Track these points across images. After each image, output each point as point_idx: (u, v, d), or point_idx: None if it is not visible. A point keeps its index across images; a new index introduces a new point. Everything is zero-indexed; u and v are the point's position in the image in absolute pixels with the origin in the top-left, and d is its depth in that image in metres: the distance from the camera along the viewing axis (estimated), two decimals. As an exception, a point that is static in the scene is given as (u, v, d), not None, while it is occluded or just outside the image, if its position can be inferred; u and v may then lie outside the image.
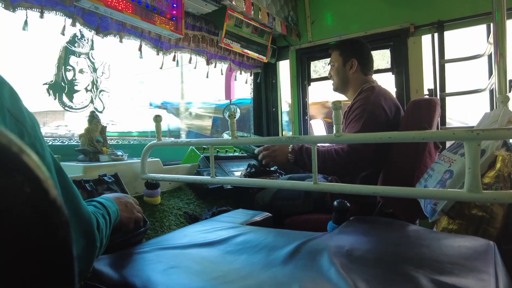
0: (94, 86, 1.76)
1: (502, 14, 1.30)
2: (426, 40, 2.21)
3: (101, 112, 1.78)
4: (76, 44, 1.65)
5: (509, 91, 1.40)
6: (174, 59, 2.03)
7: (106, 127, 1.67)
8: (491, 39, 1.58)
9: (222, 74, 2.68)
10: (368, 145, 1.49)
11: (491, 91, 1.87)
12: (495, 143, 1.05)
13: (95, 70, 1.75)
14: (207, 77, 2.43)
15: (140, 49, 1.76)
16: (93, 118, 1.62)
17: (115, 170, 1.45)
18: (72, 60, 1.66)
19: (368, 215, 1.53)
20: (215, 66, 2.39)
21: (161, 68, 1.99)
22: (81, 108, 1.72)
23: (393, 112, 1.63)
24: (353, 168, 1.54)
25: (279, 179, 2.05)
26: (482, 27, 2.03)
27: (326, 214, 1.59)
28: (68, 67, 1.64)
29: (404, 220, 1.39)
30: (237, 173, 2.00)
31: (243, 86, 2.83)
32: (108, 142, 1.70)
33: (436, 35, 2.14)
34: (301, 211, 1.70)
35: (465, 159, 0.82)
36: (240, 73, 2.67)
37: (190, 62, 2.19)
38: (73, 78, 1.66)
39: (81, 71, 1.67)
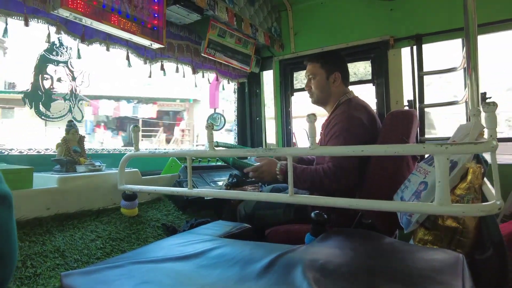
0: (73, 95, 1.73)
1: (473, 29, 1.34)
2: (405, 52, 2.26)
3: (79, 121, 1.75)
4: (54, 53, 1.63)
5: (481, 104, 1.44)
6: (161, 68, 2.03)
7: (84, 137, 1.65)
8: (465, 53, 1.63)
9: (209, 83, 2.69)
10: (351, 162, 1.49)
11: (466, 103, 1.92)
12: (466, 155, 1.07)
13: (74, 78, 1.72)
14: (195, 86, 2.44)
15: (127, 58, 1.76)
16: (71, 128, 1.59)
17: (92, 181, 1.43)
18: (50, 68, 1.63)
19: (348, 225, 1.54)
20: (202, 76, 2.40)
21: (149, 77, 1.98)
22: (59, 117, 1.69)
23: (370, 123, 1.64)
24: (339, 186, 1.52)
25: (262, 189, 2.05)
26: (458, 41, 2.10)
27: (307, 223, 1.58)
28: (45, 75, 1.61)
29: (383, 231, 1.41)
30: (219, 183, 1.99)
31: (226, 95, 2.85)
32: (87, 152, 1.67)
33: (415, 47, 2.20)
34: (282, 221, 1.70)
35: (435, 172, 0.84)
36: (228, 82, 2.68)
37: (177, 71, 2.19)
38: (51, 86, 1.63)
39: (59, 79, 1.64)
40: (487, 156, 1.10)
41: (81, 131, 1.62)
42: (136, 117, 12.51)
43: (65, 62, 1.66)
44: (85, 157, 1.58)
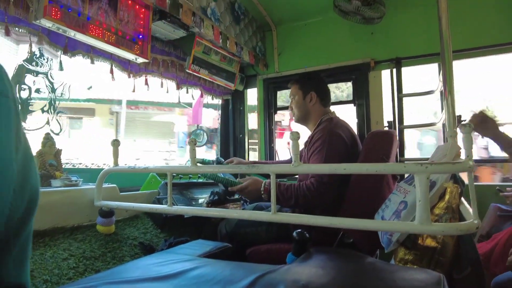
0: (52, 107, 1.68)
1: (449, 55, 1.40)
2: (386, 74, 2.34)
3: (57, 134, 1.70)
4: (34, 63, 1.59)
5: (458, 126, 1.49)
6: (146, 83, 2.01)
7: (61, 150, 1.59)
8: (441, 77, 1.70)
9: (193, 99, 2.68)
10: (333, 178, 1.53)
11: (444, 125, 1.99)
12: (444, 175, 1.10)
13: (53, 90, 1.68)
14: (179, 102, 2.43)
15: (111, 72, 1.73)
16: (48, 141, 1.54)
17: (68, 196, 1.37)
18: (29, 79, 1.59)
19: (329, 244, 1.53)
20: (187, 92, 2.39)
21: (133, 91, 1.96)
22: (35, 129, 1.63)
23: (350, 141, 1.68)
24: (322, 202, 1.56)
25: (244, 207, 2.03)
26: (435, 65, 2.20)
27: (288, 243, 1.57)
28: (23, 86, 1.56)
29: (365, 250, 1.41)
30: (200, 201, 1.95)
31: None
32: (64, 166, 1.62)
33: (394, 70, 2.28)
34: (264, 240, 1.68)
35: (416, 191, 0.85)
36: (212, 99, 2.69)
37: (161, 86, 2.18)
38: (28, 97, 1.58)
39: (37, 90, 1.60)
40: (463, 176, 1.14)
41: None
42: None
43: (45, 73, 1.62)
44: (62, 171, 1.53)
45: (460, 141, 1.13)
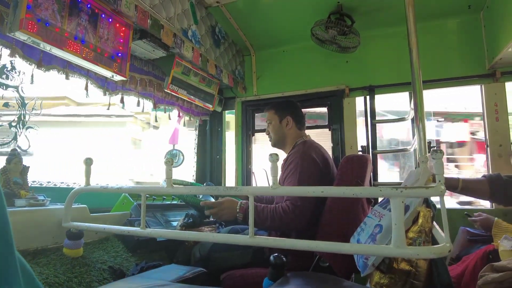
0: (21, 122, 1.61)
1: (419, 84, 1.48)
2: (360, 101, 2.43)
3: (25, 151, 1.62)
4: (4, 76, 1.52)
5: (430, 152, 1.55)
6: (121, 101, 1.98)
7: (28, 167, 1.51)
8: (412, 105, 1.78)
9: (170, 119, 2.65)
10: (308, 201, 1.56)
11: (415, 151, 2.07)
12: (417, 199, 1.13)
13: (24, 105, 1.61)
14: (155, 120, 2.41)
15: (86, 88, 1.70)
16: (14, 157, 1.46)
17: (32, 217, 1.29)
18: (-2, 92, 1.52)
19: (306, 268, 1.52)
20: (164, 111, 2.38)
21: (108, 109, 1.92)
22: (1, 145, 1.55)
23: (323, 163, 1.72)
24: (297, 224, 1.57)
25: (219, 230, 1.98)
26: (406, 93, 2.31)
27: (264, 267, 1.55)
28: (-10, 99, 1.49)
29: (341, 274, 1.41)
30: (174, 223, 1.89)
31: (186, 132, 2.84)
32: (31, 184, 1.53)
33: (368, 97, 2.37)
34: (239, 264, 1.64)
35: (392, 215, 0.86)
36: (190, 119, 2.67)
37: (138, 105, 2.15)
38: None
39: (6, 104, 1.53)
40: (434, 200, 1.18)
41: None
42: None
43: (16, 87, 1.56)
44: (27, 190, 1.44)
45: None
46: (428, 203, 1.16)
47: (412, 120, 2.14)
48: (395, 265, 1.14)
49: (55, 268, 1.18)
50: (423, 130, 1.46)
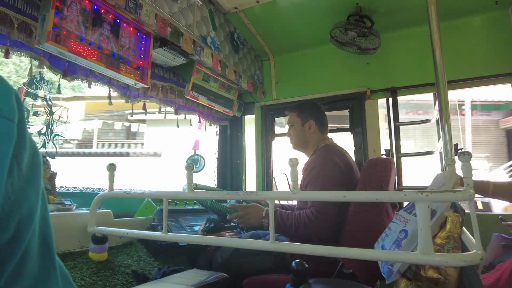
0: (49, 130, 1.68)
1: (444, 85, 1.43)
2: (382, 103, 2.38)
3: (53, 157, 1.68)
4: (34, 86, 1.60)
5: (457, 154, 1.50)
6: (143, 108, 2.03)
7: (56, 173, 1.57)
8: (437, 107, 1.72)
9: (191, 125, 2.69)
10: (333, 208, 1.54)
11: (441, 153, 2.00)
12: (444, 204, 1.08)
13: (51, 113, 1.68)
14: (177, 127, 2.46)
15: (109, 97, 1.75)
16: (43, 164, 1.52)
17: (60, 221, 1.33)
18: (28, 101, 1.59)
19: (329, 275, 1.49)
20: (185, 117, 2.41)
21: (132, 116, 1.98)
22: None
23: (346, 167, 1.68)
24: (322, 233, 1.56)
25: (241, 235, 1.98)
26: (431, 94, 2.24)
27: (286, 273, 1.53)
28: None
29: (364, 281, 1.37)
30: (196, 228, 1.90)
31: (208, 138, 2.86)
32: (58, 190, 1.58)
33: (390, 99, 2.31)
34: (261, 270, 1.63)
35: (417, 220, 0.83)
36: (210, 125, 2.70)
37: (159, 112, 2.20)
38: (27, 120, 1.57)
39: (35, 113, 1.60)
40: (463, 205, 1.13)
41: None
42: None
43: (44, 97, 1.63)
44: (55, 195, 1.50)
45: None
46: (456, 208, 1.11)
47: (437, 121, 2.07)
48: (422, 273, 1.09)
49: (81, 271, 1.21)
50: (449, 132, 1.41)
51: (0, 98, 0.37)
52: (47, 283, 0.45)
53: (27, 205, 0.42)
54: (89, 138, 11.44)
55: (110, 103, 1.73)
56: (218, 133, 2.88)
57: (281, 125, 4.37)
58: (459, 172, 0.95)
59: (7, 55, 1.30)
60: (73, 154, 9.87)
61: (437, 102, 1.68)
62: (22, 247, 0.41)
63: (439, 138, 2.06)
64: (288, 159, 0.99)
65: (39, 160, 0.45)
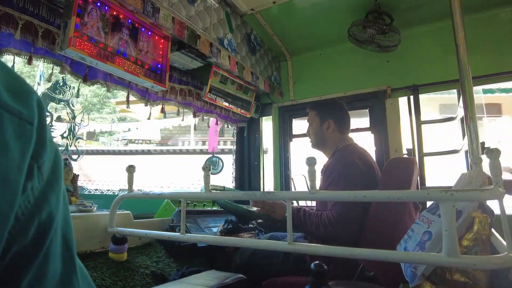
0: (71, 133, 1.73)
1: (468, 81, 1.37)
2: (403, 101, 2.31)
3: (75, 160, 1.73)
4: (57, 91, 1.65)
5: (482, 153, 1.43)
6: (162, 111, 2.06)
7: (78, 175, 1.61)
8: (461, 104, 1.65)
9: (208, 126, 2.71)
10: (354, 211, 1.50)
11: (466, 152, 1.91)
12: (471, 204, 1.03)
13: (74, 117, 1.73)
14: (195, 129, 2.47)
15: (127, 100, 1.78)
16: (65, 166, 1.57)
17: (82, 222, 1.36)
18: (51, 106, 1.65)
19: (349, 277, 1.45)
20: (202, 120, 2.43)
21: (148, 118, 2.01)
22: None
23: (367, 168, 1.64)
24: (342, 234, 1.52)
25: (259, 237, 1.97)
26: (454, 91, 2.16)
27: (305, 275, 1.50)
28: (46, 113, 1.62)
29: (386, 284, 1.33)
30: (214, 229, 1.91)
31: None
32: (80, 192, 1.63)
33: (412, 97, 2.24)
34: (280, 272, 1.61)
35: (442, 220, 0.79)
36: (227, 127, 2.71)
37: (178, 114, 2.23)
38: (50, 124, 1.62)
39: (58, 118, 1.65)
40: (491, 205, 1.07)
41: None
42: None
43: (66, 101, 1.68)
44: (77, 196, 1.54)
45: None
46: (484, 208, 1.05)
47: (462, 119, 1.99)
48: (448, 276, 1.05)
49: (102, 271, 1.24)
50: (474, 129, 1.35)
51: (20, 100, 0.37)
52: (68, 283, 0.46)
53: (48, 209, 0.42)
54: (169, 136, 11.71)
55: (128, 107, 1.76)
56: (235, 134, 2.89)
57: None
58: (487, 172, 0.90)
59: (30, 62, 1.35)
60: (155, 153, 9.96)
61: (461, 99, 1.62)
62: (43, 250, 0.42)
63: (463, 136, 1.98)
64: (305, 159, 0.97)
65: (60, 163, 0.46)
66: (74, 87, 1.69)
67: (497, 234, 0.98)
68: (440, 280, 1.06)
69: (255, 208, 1.79)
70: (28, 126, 0.38)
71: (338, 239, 1.53)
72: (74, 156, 1.73)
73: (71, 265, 0.47)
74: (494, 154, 0.79)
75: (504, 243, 0.79)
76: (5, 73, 0.33)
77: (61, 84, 1.66)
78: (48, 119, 1.59)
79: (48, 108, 1.64)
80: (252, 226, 1.94)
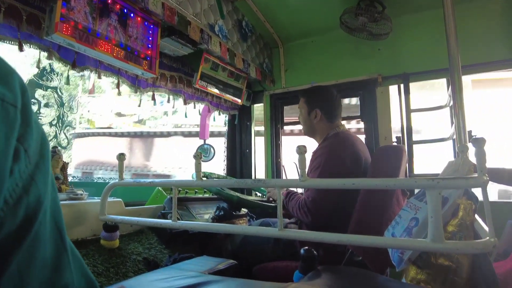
0: (60, 120, 1.70)
1: (458, 70, 1.39)
2: (394, 90, 2.33)
3: (64, 148, 1.71)
4: (44, 78, 1.61)
5: (470, 140, 1.46)
6: (153, 98, 2.04)
7: (68, 163, 1.60)
8: (450, 92, 1.68)
9: (199, 114, 2.69)
10: (326, 196, 1.53)
11: (454, 140, 1.95)
12: (457, 191, 1.06)
13: (62, 104, 1.70)
14: (185, 116, 2.45)
15: (118, 87, 1.75)
16: (55, 154, 1.55)
17: (72, 210, 1.36)
18: (39, 93, 1.61)
19: (338, 263, 1.49)
20: (194, 107, 2.41)
21: (139, 106, 1.98)
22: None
23: (353, 161, 1.64)
24: (312, 219, 1.57)
25: (250, 223, 1.99)
26: (444, 80, 2.18)
27: (295, 261, 1.54)
28: (33, 100, 1.58)
29: (374, 269, 1.36)
30: (206, 216, 1.92)
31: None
32: (70, 179, 1.61)
33: (402, 85, 2.26)
34: (270, 257, 1.64)
35: (428, 207, 0.82)
36: (219, 114, 2.70)
37: (168, 101, 2.21)
38: (37, 111, 1.60)
39: (46, 104, 1.62)
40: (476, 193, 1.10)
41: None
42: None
43: (54, 88, 1.65)
44: (67, 184, 1.53)
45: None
46: (469, 195, 1.08)
47: (451, 107, 2.02)
48: (433, 260, 1.08)
49: (94, 258, 1.24)
50: (462, 117, 1.38)
51: (1, 82, 0.36)
52: (59, 264, 0.46)
53: (36, 192, 0.42)
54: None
55: (119, 93, 1.74)
56: (227, 122, 2.88)
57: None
58: (473, 159, 0.92)
59: (20, 48, 1.31)
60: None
61: (450, 87, 1.64)
62: (32, 232, 0.42)
63: (452, 124, 2.02)
64: (296, 147, 0.98)
65: (47, 146, 0.45)
66: (62, 74, 1.65)
67: (480, 220, 1.01)
68: (425, 264, 1.10)
69: (251, 198, 1.83)
70: (12, 109, 0.38)
71: (310, 224, 1.59)
72: (64, 144, 1.70)
73: (62, 247, 0.47)
74: (479, 142, 0.81)
75: (486, 228, 0.82)
76: None
77: (48, 70, 1.61)
78: (36, 107, 1.57)
79: (35, 95, 1.60)
80: (242, 213, 1.96)
